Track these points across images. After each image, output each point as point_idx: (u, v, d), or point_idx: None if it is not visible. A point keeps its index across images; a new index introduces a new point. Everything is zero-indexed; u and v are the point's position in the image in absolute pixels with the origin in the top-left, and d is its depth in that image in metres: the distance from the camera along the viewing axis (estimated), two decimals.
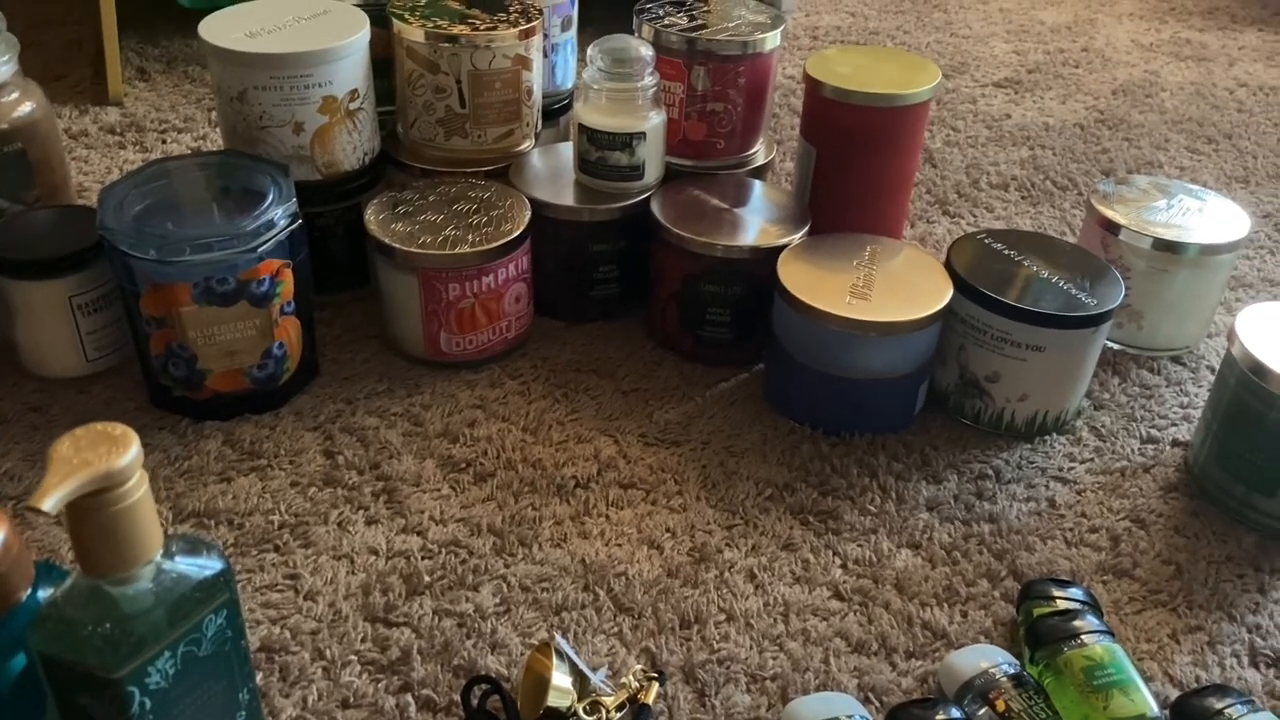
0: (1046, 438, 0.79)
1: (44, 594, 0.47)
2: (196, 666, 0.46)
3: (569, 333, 0.88)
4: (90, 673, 0.43)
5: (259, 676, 0.59)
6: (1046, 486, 0.75)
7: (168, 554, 0.44)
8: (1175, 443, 0.80)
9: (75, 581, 0.43)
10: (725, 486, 0.74)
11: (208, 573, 0.45)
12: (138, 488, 0.42)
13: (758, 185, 0.90)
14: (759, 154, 0.94)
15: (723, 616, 0.64)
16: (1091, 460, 0.78)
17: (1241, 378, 0.71)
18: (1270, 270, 1.02)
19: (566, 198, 0.85)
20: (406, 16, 0.84)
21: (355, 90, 0.82)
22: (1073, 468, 0.77)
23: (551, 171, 0.89)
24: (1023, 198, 1.12)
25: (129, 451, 0.41)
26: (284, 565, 0.66)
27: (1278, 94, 1.39)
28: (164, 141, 1.13)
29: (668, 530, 0.70)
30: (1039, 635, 0.60)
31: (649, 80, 0.83)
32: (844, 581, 0.67)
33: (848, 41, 1.50)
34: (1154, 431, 0.81)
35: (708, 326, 0.84)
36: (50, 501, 0.39)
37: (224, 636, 0.47)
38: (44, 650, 0.43)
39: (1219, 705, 0.58)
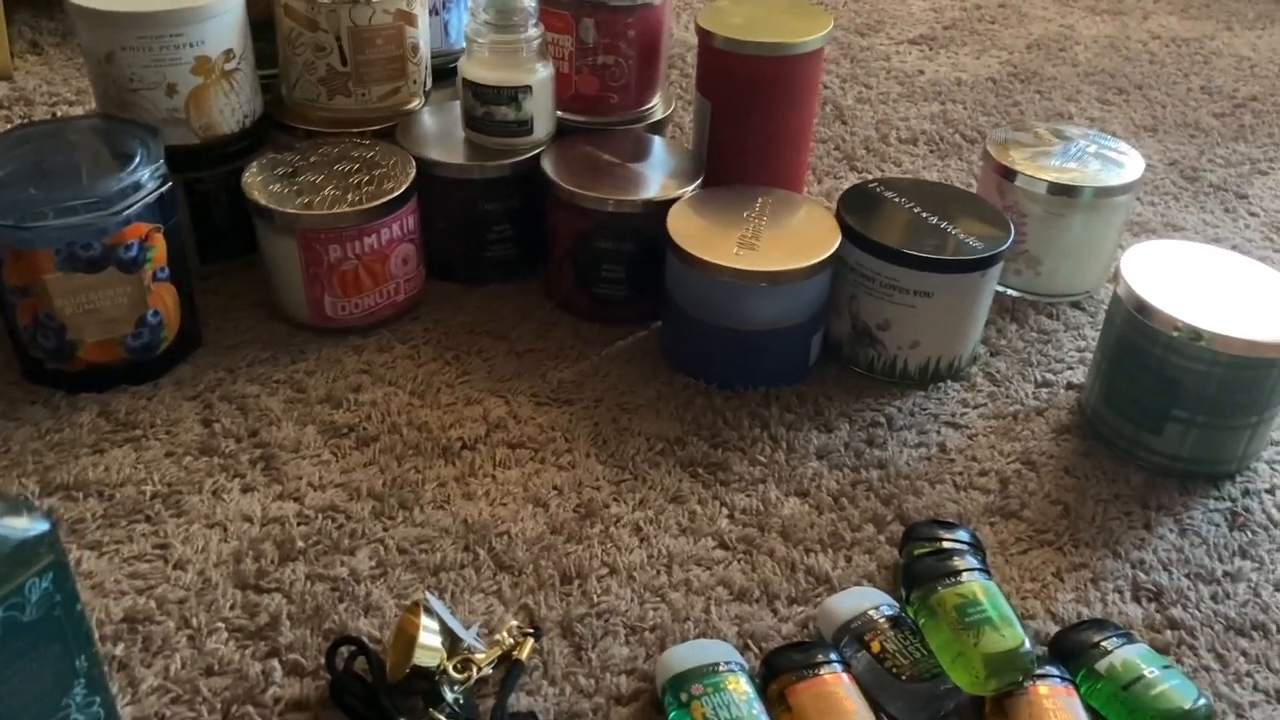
0: (941, 384, 0.79)
1: None
2: (20, 632, 0.44)
3: (464, 295, 0.86)
4: None
5: (120, 648, 0.57)
6: (938, 432, 0.75)
7: None
8: (1070, 386, 0.80)
9: None
10: (616, 443, 0.73)
11: (29, 534, 0.44)
12: None
13: (653, 140, 0.88)
14: (656, 109, 0.93)
15: (605, 570, 0.63)
16: (985, 405, 0.78)
17: (1127, 316, 0.71)
18: (1174, 215, 1.03)
19: (456, 156, 0.83)
20: None
21: (230, 50, 0.80)
22: (965, 413, 0.77)
23: (442, 130, 0.87)
24: (931, 151, 1.12)
25: None
26: (154, 535, 0.64)
27: (1190, 45, 1.40)
28: (54, 115, 1.09)
29: (554, 488, 0.69)
30: (915, 575, 0.59)
31: (533, 32, 0.81)
32: (730, 531, 0.66)
33: None
34: (1049, 376, 0.81)
35: (603, 284, 0.83)
36: None
37: (51, 601, 0.45)
38: None
39: (1096, 638, 0.58)
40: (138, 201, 0.70)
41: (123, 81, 0.77)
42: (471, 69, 0.82)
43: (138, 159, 0.71)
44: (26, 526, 0.44)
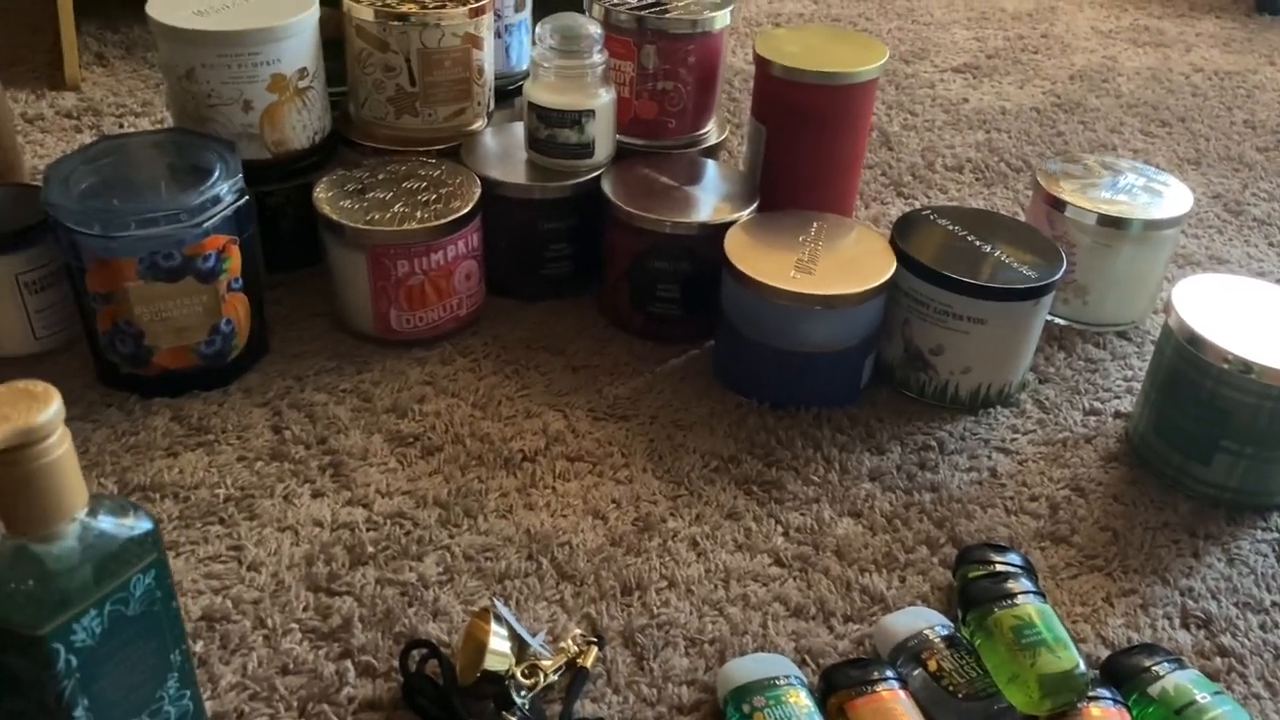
0: (990, 410, 0.80)
1: None
2: (125, 626, 0.46)
3: (521, 311, 0.88)
4: (14, 630, 0.43)
5: (199, 645, 0.59)
6: (989, 457, 0.76)
7: (93, 513, 0.45)
8: (1117, 414, 0.81)
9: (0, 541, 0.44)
10: (671, 459, 0.74)
11: (135, 532, 0.46)
12: (59, 444, 0.42)
13: (709, 164, 0.90)
14: (711, 134, 0.95)
15: (664, 583, 0.65)
16: (1034, 431, 0.79)
17: (1178, 347, 0.72)
18: (1218, 249, 1.04)
19: (518, 176, 0.86)
20: None
21: (304, 69, 0.82)
22: (1015, 439, 0.78)
23: (504, 151, 0.89)
24: (977, 179, 1.14)
25: (50, 407, 0.42)
26: (228, 537, 0.66)
27: (1232, 79, 1.41)
28: (120, 125, 1.13)
29: (613, 501, 0.71)
30: (971, 597, 0.61)
31: (598, 58, 0.83)
32: (785, 549, 0.68)
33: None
34: (1097, 404, 0.82)
35: (657, 303, 0.85)
36: None
37: (153, 597, 0.47)
38: None
39: (1147, 663, 0.59)
40: (216, 214, 0.73)
41: (201, 97, 0.80)
42: (537, 92, 0.84)
43: (217, 173, 0.74)
44: (132, 525, 0.46)
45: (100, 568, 0.44)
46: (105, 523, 0.45)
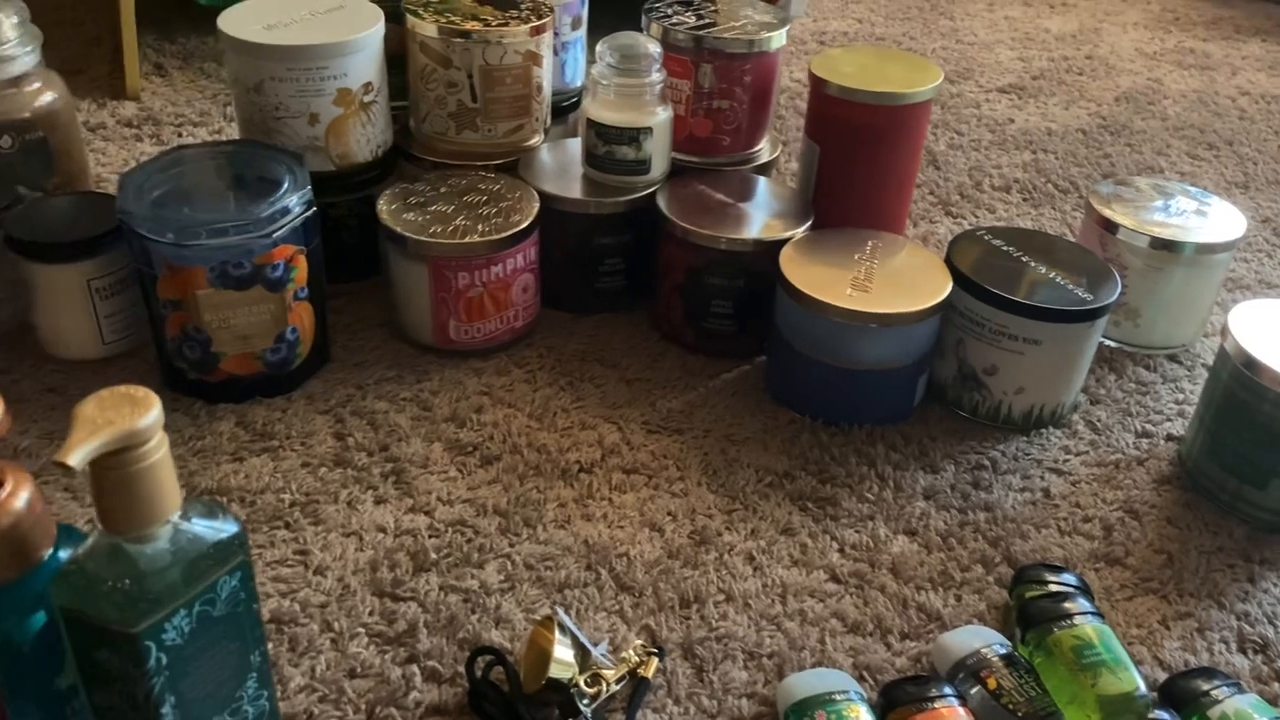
0: (1043, 431, 0.81)
1: (64, 554, 0.48)
2: (211, 626, 0.47)
3: (575, 324, 0.90)
4: (109, 627, 0.44)
5: (269, 646, 0.60)
6: (1042, 477, 0.77)
7: (185, 516, 0.46)
8: (1169, 437, 0.81)
9: (96, 539, 0.45)
10: (726, 473, 0.75)
11: (223, 535, 0.47)
12: (158, 449, 0.44)
13: (762, 181, 0.91)
14: (764, 151, 0.96)
15: (722, 596, 0.66)
16: (1087, 453, 0.79)
17: (1234, 372, 0.73)
18: (1268, 273, 1.04)
19: (574, 191, 0.87)
20: (420, 12, 0.86)
21: (369, 83, 0.84)
22: (1068, 460, 0.78)
23: (560, 166, 0.90)
24: (1024, 199, 1.14)
25: (151, 412, 0.43)
26: (294, 541, 0.68)
27: (1279, 102, 1.41)
28: (179, 135, 1.15)
29: (669, 514, 0.72)
30: (1030, 616, 0.61)
31: (656, 76, 0.85)
32: (841, 565, 0.68)
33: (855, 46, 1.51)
34: (1149, 426, 0.82)
35: (711, 318, 0.85)
36: (76, 457, 0.40)
37: (238, 598, 0.48)
38: (65, 605, 0.45)
39: (1206, 687, 0.59)
40: (285, 225, 0.74)
41: (269, 109, 0.82)
42: (596, 110, 0.85)
43: (286, 185, 0.76)
44: (221, 528, 0.47)
45: (190, 569, 0.46)
46: (196, 525, 0.46)
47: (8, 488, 0.45)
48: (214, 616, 0.47)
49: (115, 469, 0.43)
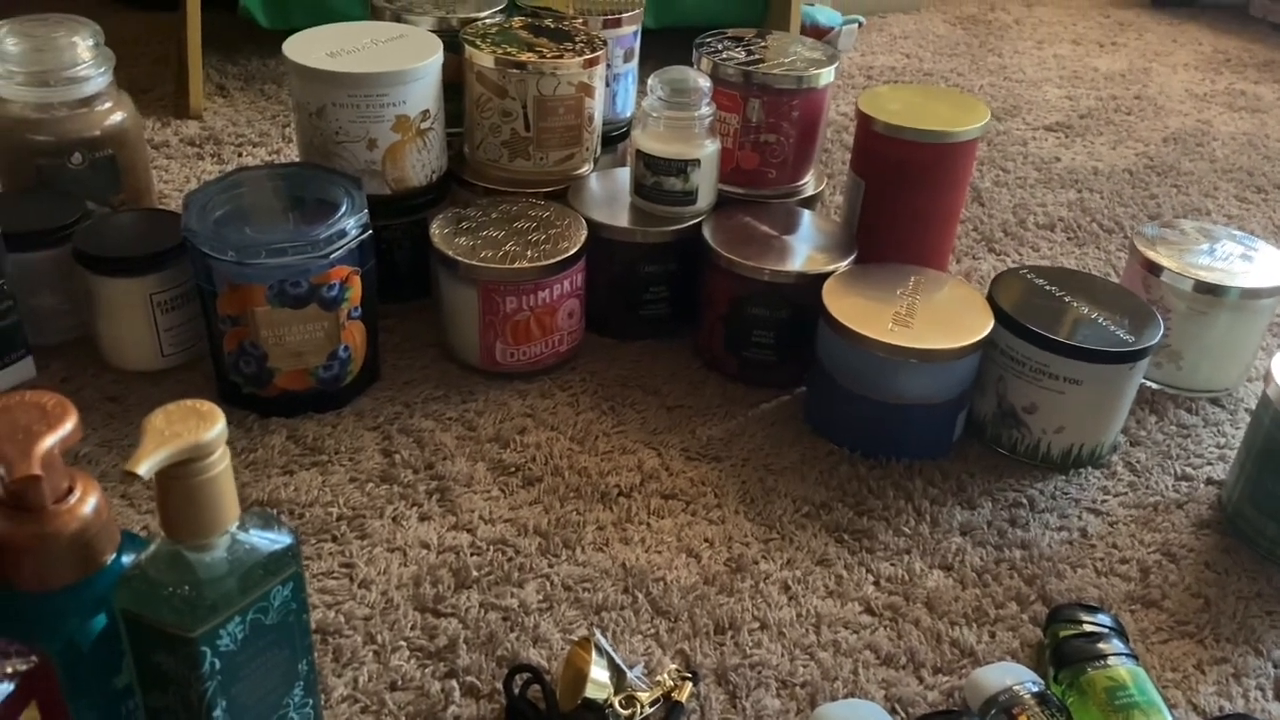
0: (1081, 470, 0.81)
1: (127, 559, 0.50)
2: (263, 633, 0.49)
3: (618, 349, 0.91)
4: (168, 631, 0.46)
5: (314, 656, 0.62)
6: (1079, 517, 0.77)
7: (243, 526, 0.48)
8: (1210, 481, 0.81)
9: (159, 546, 0.47)
10: (763, 502, 0.76)
11: (277, 546, 0.49)
12: (220, 461, 0.45)
13: (806, 214, 0.93)
14: (809, 185, 0.97)
15: (756, 624, 0.67)
16: (1125, 494, 0.79)
17: (1276, 417, 0.72)
18: None
19: (622, 219, 0.89)
20: (478, 43, 0.88)
21: (427, 110, 0.86)
22: (1106, 500, 0.79)
23: (608, 194, 0.92)
24: (1068, 238, 1.14)
25: (215, 426, 0.45)
26: (340, 555, 0.69)
27: None
28: (239, 154, 1.18)
29: (706, 540, 0.73)
30: (1064, 655, 0.61)
31: (705, 110, 0.86)
32: (876, 597, 0.69)
33: (902, 82, 1.53)
34: (1189, 469, 0.82)
35: (752, 348, 0.87)
36: (144, 467, 0.42)
37: (289, 608, 0.50)
38: (127, 608, 0.46)
39: None
40: (342, 246, 0.76)
41: (329, 134, 0.85)
42: (645, 141, 0.87)
43: (344, 207, 0.78)
44: (275, 539, 0.49)
45: (245, 578, 0.47)
46: (253, 535, 0.48)
47: (77, 493, 0.47)
48: (266, 624, 0.49)
49: (180, 479, 0.45)
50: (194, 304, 0.82)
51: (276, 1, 1.30)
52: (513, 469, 0.77)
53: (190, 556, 0.46)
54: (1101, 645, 0.61)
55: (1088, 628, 0.64)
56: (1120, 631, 0.65)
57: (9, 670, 0.44)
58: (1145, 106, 1.50)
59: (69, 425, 0.47)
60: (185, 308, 0.83)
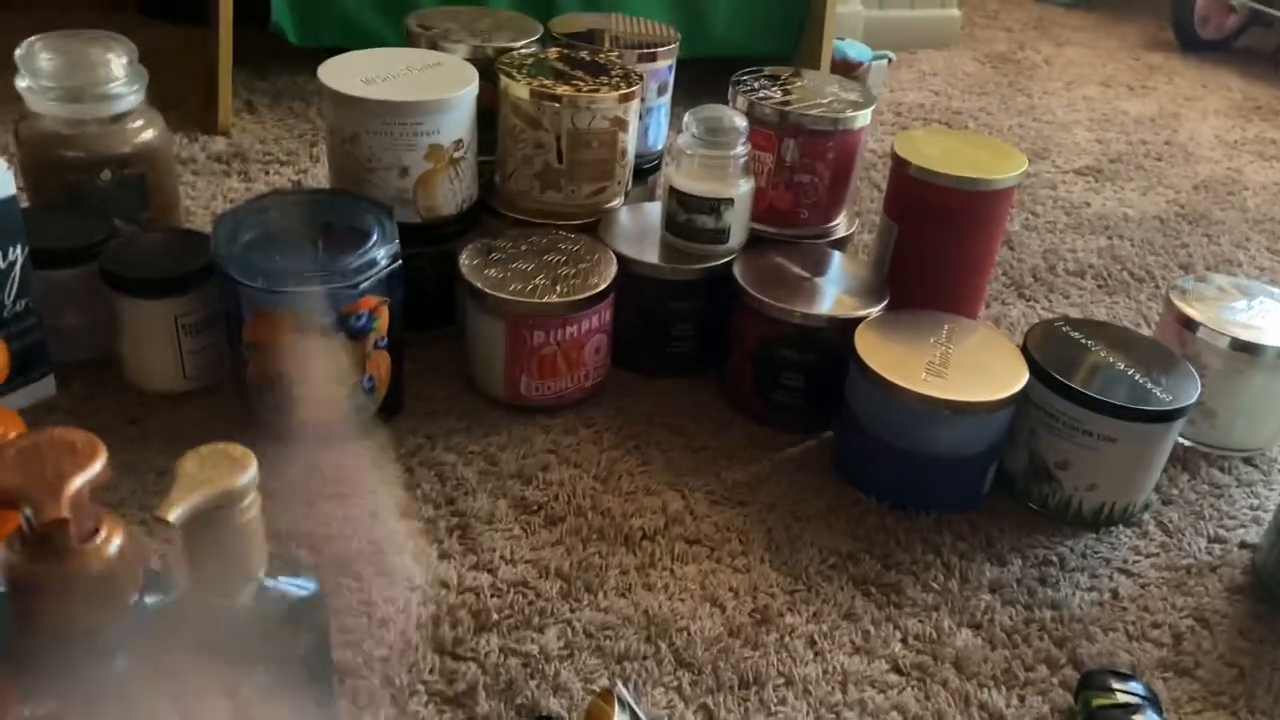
0: (1112, 529, 0.80)
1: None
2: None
3: (644, 386, 0.90)
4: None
5: None
6: (1110, 578, 0.75)
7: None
8: (1243, 544, 0.80)
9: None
10: (789, 551, 0.75)
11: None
12: (252, 507, 0.44)
13: (838, 256, 0.92)
14: (841, 226, 0.96)
15: (781, 680, 0.65)
16: (1157, 555, 0.78)
17: None
18: None
19: (651, 255, 0.88)
20: (514, 74, 0.88)
21: (460, 140, 0.86)
22: (1138, 561, 0.77)
23: (638, 229, 0.92)
24: (1099, 286, 1.13)
25: (248, 472, 0.44)
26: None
27: None
28: (266, 173, 1.18)
29: (730, 589, 0.71)
30: None
31: (741, 149, 0.86)
32: (903, 656, 0.68)
33: (930, 119, 1.52)
34: (1222, 531, 0.81)
35: (780, 391, 0.86)
36: (176, 514, 0.41)
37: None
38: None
39: None
40: (372, 277, 0.76)
41: (361, 160, 0.84)
42: (679, 178, 0.86)
43: (375, 237, 0.77)
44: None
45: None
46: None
47: (102, 534, 0.46)
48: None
49: (209, 525, 0.44)
50: (219, 328, 0.81)
51: (307, 18, 1.30)
52: (535, 507, 0.76)
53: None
54: (1136, 717, 0.60)
55: (1121, 697, 0.62)
56: (1154, 701, 0.63)
57: (27, 715, 0.43)
58: (1175, 152, 1.49)
59: (98, 466, 0.46)
60: (210, 331, 0.82)
